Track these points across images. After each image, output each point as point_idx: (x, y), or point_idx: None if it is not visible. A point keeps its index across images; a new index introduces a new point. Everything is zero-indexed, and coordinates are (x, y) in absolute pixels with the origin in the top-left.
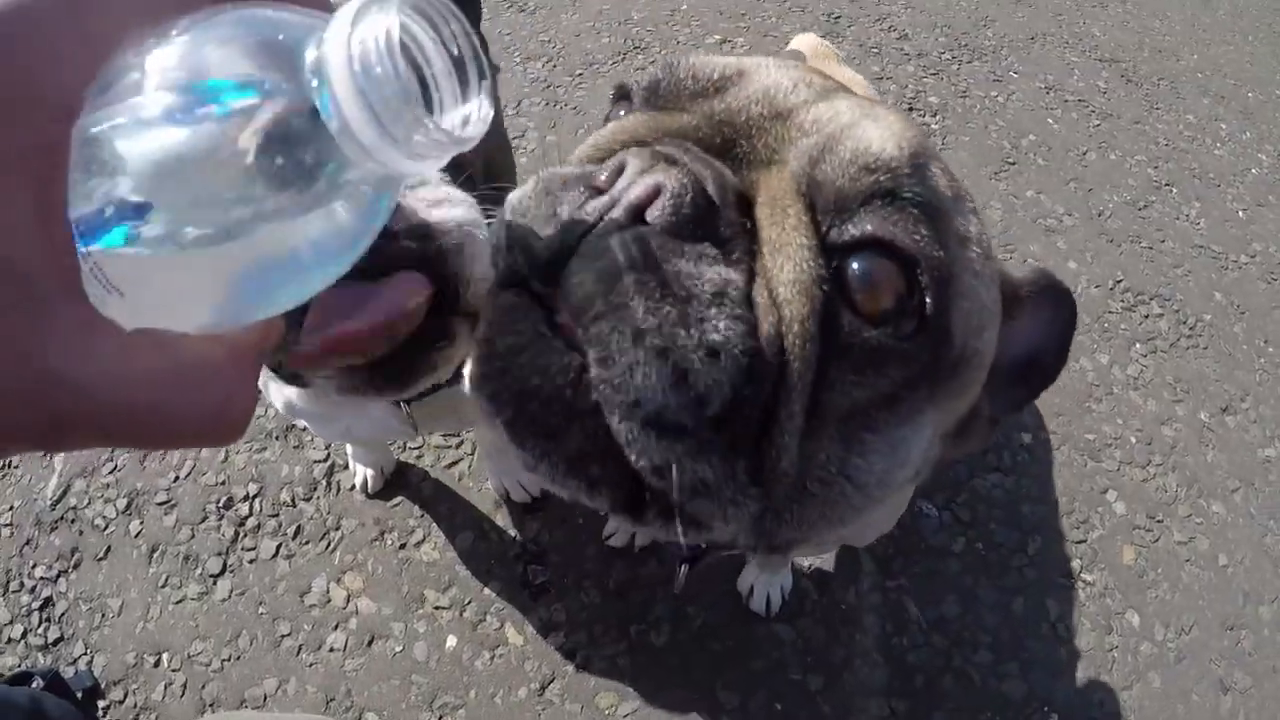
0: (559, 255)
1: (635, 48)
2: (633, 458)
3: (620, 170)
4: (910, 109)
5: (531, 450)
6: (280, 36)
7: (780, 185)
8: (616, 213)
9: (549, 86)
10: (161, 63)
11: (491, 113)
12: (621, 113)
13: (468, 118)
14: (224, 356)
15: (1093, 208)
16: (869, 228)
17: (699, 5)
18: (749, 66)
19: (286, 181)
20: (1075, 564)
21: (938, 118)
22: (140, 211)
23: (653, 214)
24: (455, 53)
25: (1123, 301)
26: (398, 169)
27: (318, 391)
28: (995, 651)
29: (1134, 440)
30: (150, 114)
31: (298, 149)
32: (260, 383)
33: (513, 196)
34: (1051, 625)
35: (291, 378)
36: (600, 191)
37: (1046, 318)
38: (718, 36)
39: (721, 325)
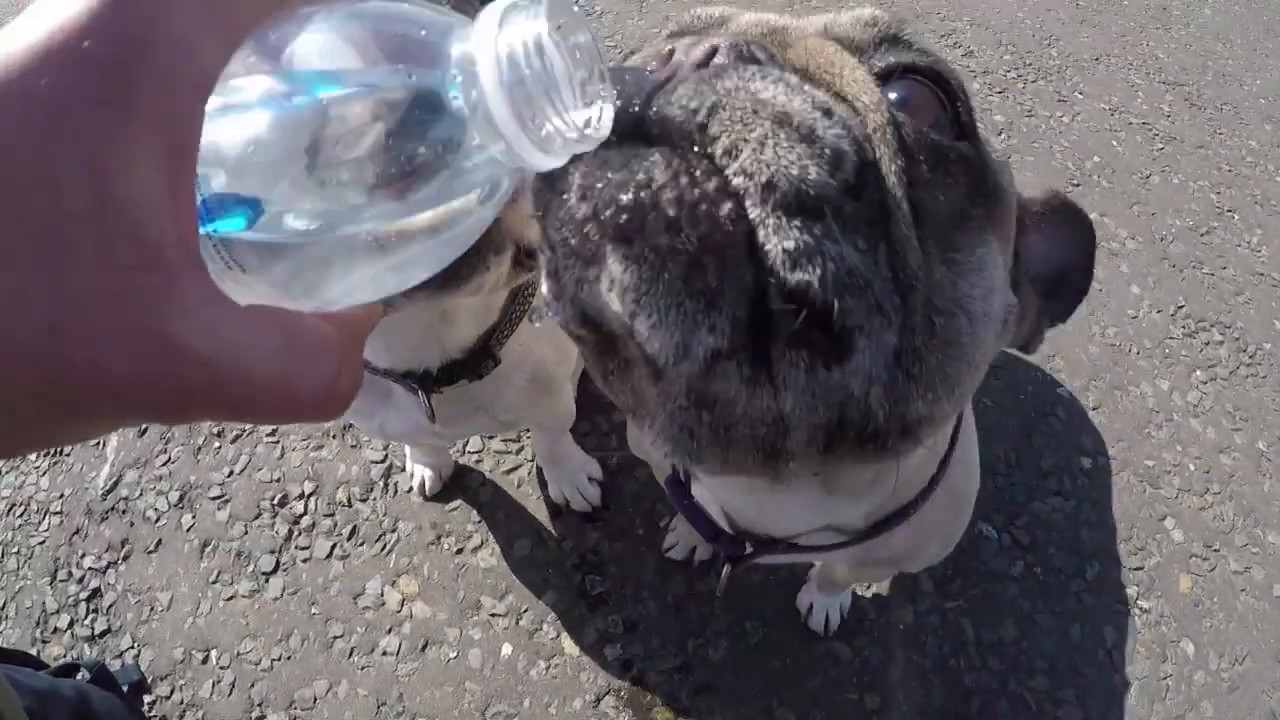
0: (636, 107)
1: None
2: (774, 250)
3: (670, 53)
4: None
5: (641, 268)
6: (421, 32)
7: (810, 43)
8: (684, 70)
9: None
10: (280, 51)
11: (611, 118)
12: None
13: (589, 120)
14: (335, 333)
15: (1155, 232)
16: (893, 59)
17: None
18: (738, 12)
19: (398, 173)
20: (1132, 591)
21: (1003, 136)
22: (249, 203)
23: (716, 61)
24: (578, 58)
25: (1184, 328)
26: (528, 161)
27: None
28: (1052, 677)
29: (1193, 468)
30: (259, 103)
31: (414, 140)
32: None
33: None
34: (1108, 652)
35: None
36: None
37: (1066, 236)
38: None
39: (821, 93)
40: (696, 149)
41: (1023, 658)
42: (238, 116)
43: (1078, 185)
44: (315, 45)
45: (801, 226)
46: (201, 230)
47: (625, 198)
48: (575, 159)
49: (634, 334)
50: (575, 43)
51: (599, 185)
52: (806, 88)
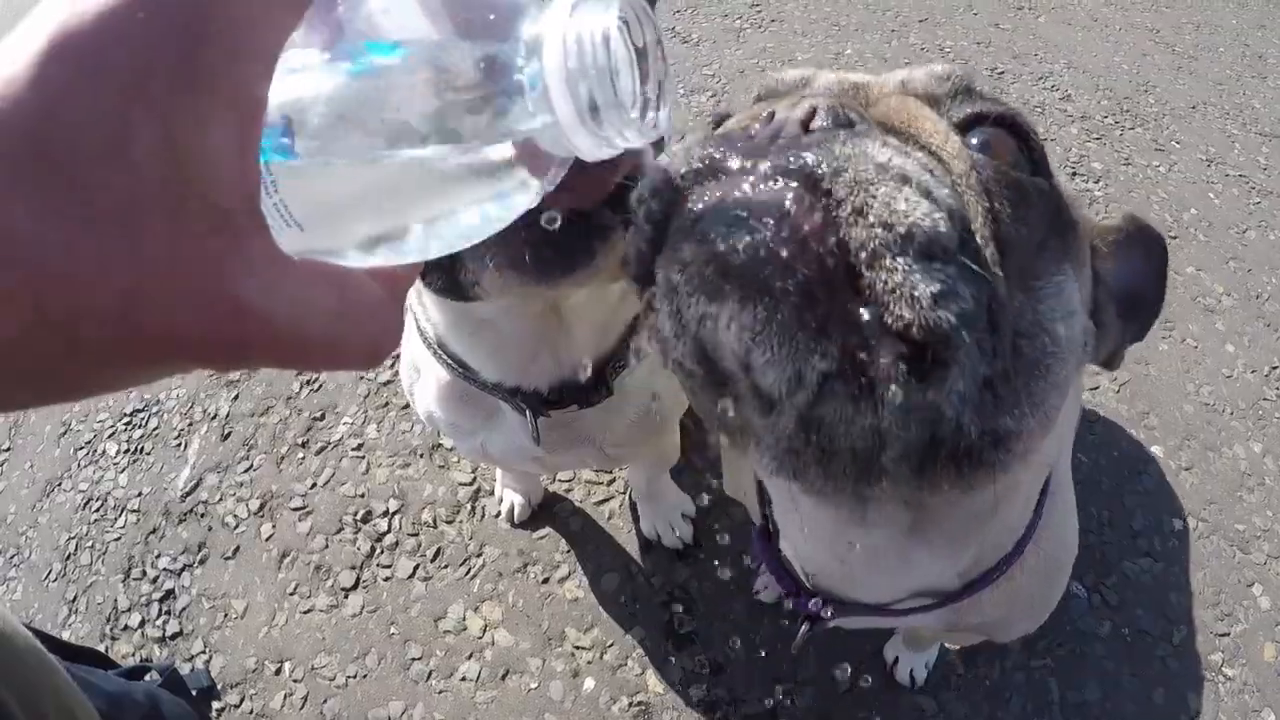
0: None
1: None
2: (921, 293)
3: (771, 114)
4: (1074, 174)
5: (758, 307)
6: (492, 12)
7: (891, 102)
8: (788, 128)
9: None
10: (348, 17)
11: (669, 124)
12: None
13: (645, 119)
14: (384, 291)
15: (1251, 289)
16: (968, 110)
17: (863, 51)
18: (817, 72)
19: (443, 135)
20: (1216, 657)
21: (1100, 184)
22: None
23: (816, 123)
24: (641, 45)
25: (1277, 390)
26: (577, 146)
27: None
28: None
29: None
30: (321, 66)
31: (472, 103)
32: (405, 389)
33: (677, 147)
34: (1190, 719)
35: (456, 288)
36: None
37: (1139, 257)
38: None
39: (920, 153)
40: (822, 207)
41: None
42: (300, 77)
43: (1175, 237)
44: (382, 9)
45: (941, 269)
46: (261, 163)
47: (746, 241)
48: (698, 204)
49: (749, 369)
50: (645, 40)
51: (722, 229)
52: (909, 150)
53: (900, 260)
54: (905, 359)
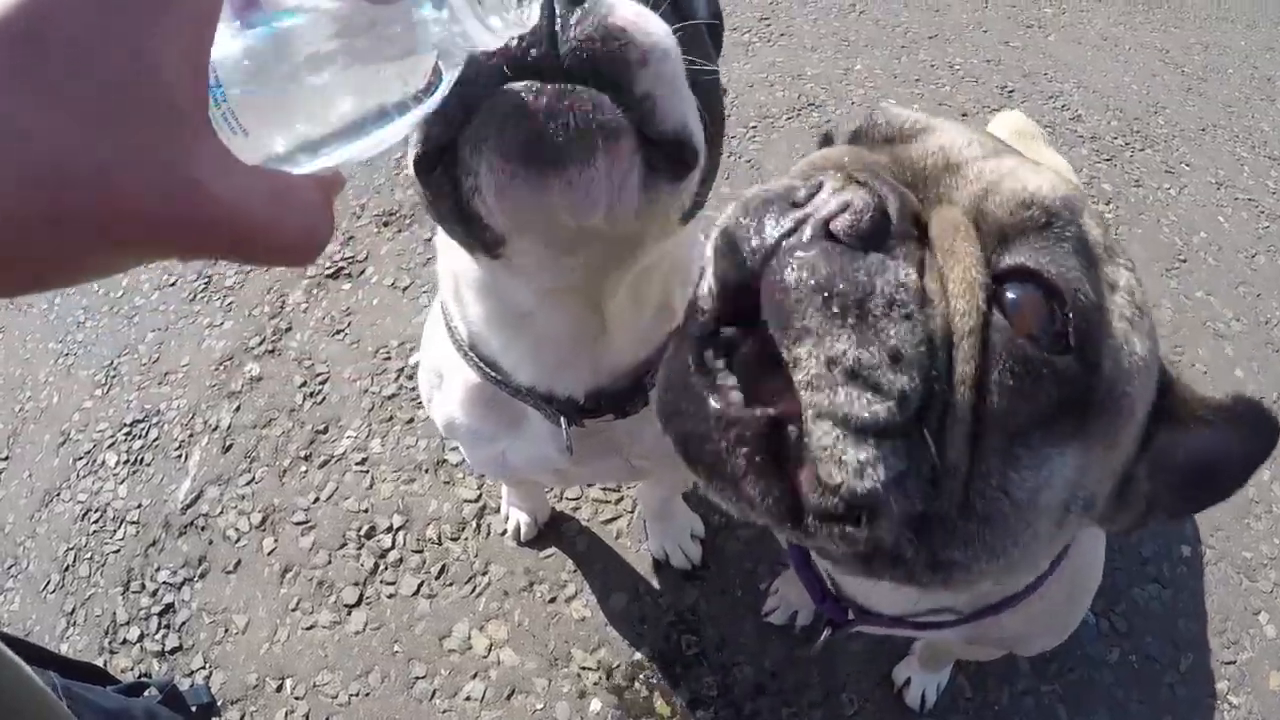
0: (761, 263)
1: (809, 104)
2: (838, 458)
3: (819, 187)
4: None
5: (700, 468)
6: None
7: (951, 215)
8: (808, 227)
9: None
10: None
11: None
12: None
13: (525, 12)
14: (314, 187)
15: (1260, 314)
16: (1021, 259)
17: (873, 67)
18: (934, 124)
19: (349, 56)
20: (1223, 685)
21: (1110, 206)
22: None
23: (837, 225)
24: None
25: None
26: (469, 32)
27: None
28: None
29: None
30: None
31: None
32: (424, 396)
33: (721, 221)
34: None
35: (470, 228)
36: (798, 205)
37: (1237, 435)
38: (891, 100)
39: (894, 331)
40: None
41: None
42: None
43: (1184, 261)
44: None
45: (874, 444)
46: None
47: (691, 414)
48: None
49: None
50: None
51: (673, 394)
52: (885, 324)
53: (836, 430)
54: (835, 514)
